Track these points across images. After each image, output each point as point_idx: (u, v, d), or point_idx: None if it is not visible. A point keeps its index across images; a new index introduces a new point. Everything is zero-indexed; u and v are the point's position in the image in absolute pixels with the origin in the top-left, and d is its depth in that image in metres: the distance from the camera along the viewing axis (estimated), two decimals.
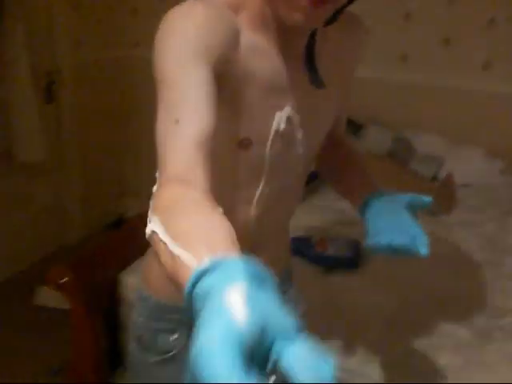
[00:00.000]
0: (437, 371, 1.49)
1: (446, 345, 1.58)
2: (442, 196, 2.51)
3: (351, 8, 0.95)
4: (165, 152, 0.75)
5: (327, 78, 0.99)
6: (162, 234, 0.65)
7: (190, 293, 0.53)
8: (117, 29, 3.62)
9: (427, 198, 1.13)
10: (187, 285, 0.53)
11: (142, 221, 0.73)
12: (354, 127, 2.78)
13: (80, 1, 3.33)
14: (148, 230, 0.69)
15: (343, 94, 1.13)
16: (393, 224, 1.04)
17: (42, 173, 3.27)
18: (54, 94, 3.22)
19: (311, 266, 1.95)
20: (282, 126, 0.96)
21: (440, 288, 1.87)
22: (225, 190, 0.98)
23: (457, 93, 2.90)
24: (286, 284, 1.28)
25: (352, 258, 1.95)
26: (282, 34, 0.93)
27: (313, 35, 0.95)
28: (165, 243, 0.64)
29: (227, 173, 0.99)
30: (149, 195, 0.78)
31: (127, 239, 1.95)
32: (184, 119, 0.76)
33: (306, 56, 0.97)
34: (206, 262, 0.53)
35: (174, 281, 0.63)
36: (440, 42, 2.93)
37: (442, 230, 2.22)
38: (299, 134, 1.01)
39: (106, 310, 1.86)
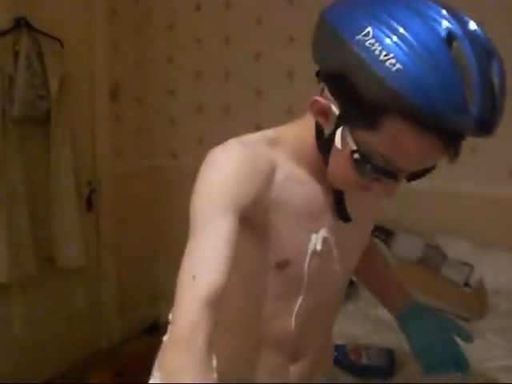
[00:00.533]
0: None
1: None
2: (475, 301, 2.53)
3: None
4: (180, 305, 0.85)
5: (355, 212, 1.07)
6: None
7: None
8: (155, 139, 3.81)
9: (466, 331, 1.19)
10: None
11: None
12: (386, 234, 2.85)
13: (120, 113, 3.55)
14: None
15: (372, 225, 1.22)
16: (438, 345, 1.11)
17: (81, 277, 3.36)
18: (94, 202, 3.37)
19: (345, 374, 1.96)
20: (319, 247, 1.04)
21: None
22: (265, 303, 1.06)
23: (483, 199, 2.97)
24: None
25: (387, 368, 1.97)
26: (317, 165, 1.01)
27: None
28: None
29: (267, 288, 1.05)
30: None
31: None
32: (199, 277, 0.85)
33: (338, 195, 1.06)
34: None
35: None
36: (467, 150, 3.03)
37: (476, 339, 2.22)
38: (335, 253, 1.08)
39: None
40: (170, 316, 0.90)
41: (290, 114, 3.23)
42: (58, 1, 3.05)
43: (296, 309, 1.09)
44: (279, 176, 0.99)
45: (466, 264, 2.71)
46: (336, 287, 1.16)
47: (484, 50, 0.80)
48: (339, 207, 1.06)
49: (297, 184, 1.01)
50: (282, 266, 1.02)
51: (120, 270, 3.62)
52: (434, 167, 0.92)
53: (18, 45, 2.78)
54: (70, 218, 3.06)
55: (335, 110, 0.89)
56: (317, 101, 0.92)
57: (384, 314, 1.76)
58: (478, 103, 0.78)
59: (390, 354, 1.99)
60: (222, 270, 0.86)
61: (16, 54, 2.77)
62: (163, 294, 3.92)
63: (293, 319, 1.10)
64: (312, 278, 1.06)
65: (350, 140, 0.88)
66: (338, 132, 0.90)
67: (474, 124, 0.79)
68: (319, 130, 0.97)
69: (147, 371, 1.91)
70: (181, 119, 3.80)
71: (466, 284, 2.68)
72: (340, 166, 0.94)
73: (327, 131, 0.94)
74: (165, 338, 0.94)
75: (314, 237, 1.03)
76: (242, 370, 1.13)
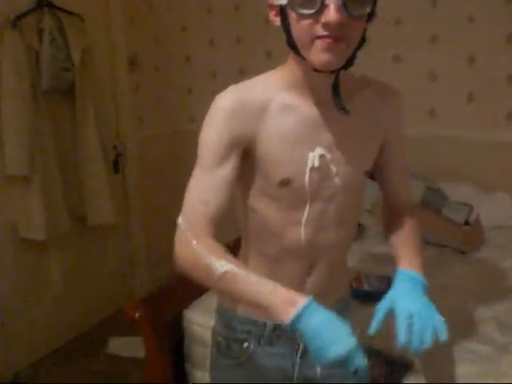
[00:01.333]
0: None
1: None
2: (472, 237, 2.75)
3: (383, 75, 1.28)
4: (192, 220, 1.22)
5: (355, 122, 1.24)
6: (240, 272, 1.10)
7: (293, 325, 1.02)
8: (174, 106, 4.06)
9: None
10: (290, 320, 1.02)
11: None
12: None
13: (141, 82, 3.78)
14: (221, 269, 1.10)
15: (374, 150, 1.33)
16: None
17: (111, 234, 3.65)
18: (120, 164, 3.63)
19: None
20: (316, 164, 1.22)
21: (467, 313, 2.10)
22: (275, 216, 1.27)
23: (482, 143, 3.16)
24: (344, 313, 1.37)
25: (385, 292, 2.19)
26: (312, 87, 1.20)
27: (337, 74, 1.17)
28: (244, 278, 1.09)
29: (275, 203, 1.26)
30: None
31: (187, 283, 2.27)
32: (212, 203, 1.18)
33: (332, 87, 1.19)
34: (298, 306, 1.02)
35: (256, 305, 1.08)
36: (464, 98, 3.23)
37: (471, 266, 2.47)
38: (334, 169, 1.24)
39: (172, 342, 2.16)
40: (180, 219, 1.22)
41: None
42: None
43: (304, 218, 1.26)
44: (273, 107, 1.20)
45: (465, 204, 2.91)
46: (338, 200, 1.29)
47: None
48: (336, 100, 1.19)
49: (290, 111, 1.21)
50: (285, 183, 1.22)
51: (147, 226, 3.90)
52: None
53: (41, 22, 2.99)
54: (99, 180, 3.31)
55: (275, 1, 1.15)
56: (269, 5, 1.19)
57: (385, 250, 1.99)
58: None
59: (389, 280, 2.21)
60: (228, 196, 1.19)
61: (40, 31, 2.99)
62: None
63: (302, 228, 1.27)
64: (313, 191, 1.24)
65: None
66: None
67: None
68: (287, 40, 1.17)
69: (174, 301, 2.17)
70: (197, 85, 4.02)
71: (466, 223, 2.89)
72: (298, 33, 1.11)
73: (279, 24, 1.18)
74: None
75: (310, 155, 1.21)
76: (268, 277, 1.17)
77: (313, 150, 1.22)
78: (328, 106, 1.21)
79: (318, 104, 1.22)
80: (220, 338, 1.42)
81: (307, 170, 1.22)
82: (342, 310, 1.40)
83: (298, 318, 1.02)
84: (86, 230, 3.38)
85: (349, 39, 1.09)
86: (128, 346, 3.27)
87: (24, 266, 3.10)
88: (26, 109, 2.89)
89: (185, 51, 4.01)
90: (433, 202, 2.96)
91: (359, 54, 1.15)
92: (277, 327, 1.35)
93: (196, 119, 4.08)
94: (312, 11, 1.06)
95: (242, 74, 3.81)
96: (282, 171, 1.22)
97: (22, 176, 2.94)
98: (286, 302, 1.04)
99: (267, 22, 3.57)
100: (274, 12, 1.18)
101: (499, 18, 3.06)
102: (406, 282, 1.25)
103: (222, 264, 1.10)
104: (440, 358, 1.79)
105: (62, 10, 3.09)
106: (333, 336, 1.02)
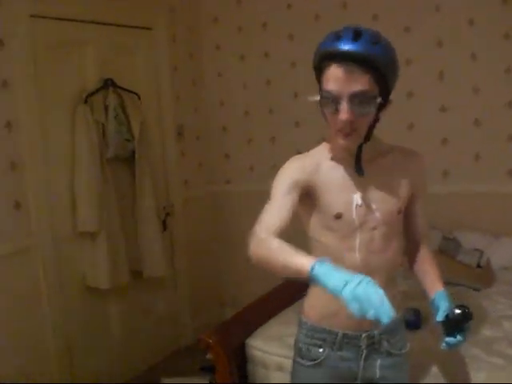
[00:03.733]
0: None
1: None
2: (484, 277, 3.18)
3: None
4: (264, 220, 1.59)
5: (375, 179, 1.69)
6: (280, 244, 1.48)
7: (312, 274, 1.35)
8: (213, 170, 4.58)
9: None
10: (310, 271, 1.36)
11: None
12: None
13: (185, 149, 4.30)
14: (277, 245, 1.49)
15: (403, 196, 1.73)
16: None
17: (162, 286, 4.07)
18: (168, 223, 4.09)
19: None
20: (359, 202, 1.67)
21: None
22: (334, 244, 1.70)
23: (489, 196, 3.65)
24: (397, 332, 1.81)
25: (415, 321, 2.61)
26: (345, 155, 1.68)
27: (360, 146, 1.62)
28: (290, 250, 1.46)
29: (333, 233, 1.69)
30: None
31: (250, 315, 2.71)
32: (263, 222, 1.57)
33: (356, 155, 1.64)
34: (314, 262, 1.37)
35: (293, 273, 1.43)
36: (472, 157, 3.72)
37: (484, 300, 2.90)
38: (373, 206, 1.68)
39: (238, 366, 2.56)
40: (257, 228, 1.58)
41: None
42: (134, 64, 3.84)
43: (357, 244, 1.68)
44: (324, 166, 1.69)
45: (477, 250, 3.36)
46: (380, 230, 1.69)
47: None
48: (356, 162, 1.64)
49: (336, 169, 1.69)
50: (338, 216, 1.67)
51: (191, 279, 4.34)
52: (367, 101, 1.51)
53: (107, 100, 3.51)
54: (153, 236, 3.77)
55: (313, 99, 1.59)
56: None
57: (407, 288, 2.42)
58: (338, 39, 1.50)
59: (416, 311, 2.63)
60: (289, 216, 1.58)
61: (106, 108, 3.50)
62: (227, 301, 4.63)
63: (357, 253, 1.68)
64: (361, 222, 1.67)
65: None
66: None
67: (338, 48, 1.47)
68: None
69: (238, 331, 2.58)
70: (233, 151, 4.55)
71: (478, 265, 3.33)
72: (329, 122, 1.58)
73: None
74: None
75: (354, 195, 1.68)
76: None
77: (355, 193, 1.68)
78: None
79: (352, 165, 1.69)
80: (301, 345, 1.82)
81: (354, 206, 1.67)
82: (397, 327, 1.81)
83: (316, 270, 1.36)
84: (142, 281, 3.81)
85: (359, 130, 1.55)
86: None
87: (89, 310, 3.53)
88: (95, 174, 3.37)
89: (223, 121, 4.55)
90: (449, 249, 3.40)
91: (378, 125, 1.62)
92: (345, 336, 1.75)
93: (231, 181, 4.59)
94: (330, 111, 1.54)
95: (273, 141, 4.32)
96: (336, 207, 1.67)
97: (90, 232, 3.40)
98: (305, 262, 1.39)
99: (296, 97, 4.13)
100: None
101: (502, 86, 3.58)
102: (447, 297, 1.72)
103: (278, 241, 1.49)
104: (461, 368, 2.20)
105: (123, 89, 3.61)
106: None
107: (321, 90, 1.56)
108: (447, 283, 2.75)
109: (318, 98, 1.57)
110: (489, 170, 3.65)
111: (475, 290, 3.09)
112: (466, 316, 1.66)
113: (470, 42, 3.64)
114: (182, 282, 4.29)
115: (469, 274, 3.19)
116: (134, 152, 3.64)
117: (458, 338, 1.65)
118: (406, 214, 1.81)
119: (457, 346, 1.68)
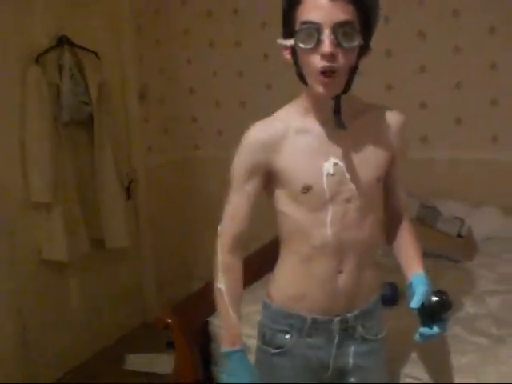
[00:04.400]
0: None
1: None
2: (465, 247, 3.00)
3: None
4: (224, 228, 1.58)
5: (360, 137, 1.49)
6: (225, 296, 1.53)
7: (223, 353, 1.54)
8: (180, 135, 4.32)
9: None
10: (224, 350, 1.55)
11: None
12: None
13: (150, 114, 4.04)
14: (217, 285, 1.55)
15: (382, 161, 1.53)
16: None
17: (126, 257, 3.86)
18: (132, 191, 3.86)
19: None
20: (331, 171, 1.46)
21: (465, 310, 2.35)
22: (303, 218, 1.50)
23: (471, 163, 3.45)
24: (375, 313, 1.64)
25: (391, 295, 2.42)
26: (320, 111, 1.46)
27: (338, 97, 1.40)
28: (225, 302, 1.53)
29: (301, 207, 1.49)
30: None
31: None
32: (225, 230, 1.57)
33: (333, 107, 1.41)
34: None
35: (223, 325, 1.57)
36: (453, 122, 3.51)
37: (465, 273, 2.72)
38: (347, 175, 1.47)
39: (200, 345, 2.37)
40: (219, 228, 1.58)
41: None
42: (92, 19, 3.54)
43: (328, 219, 1.48)
44: (291, 133, 1.47)
45: (457, 218, 3.17)
46: (356, 202, 1.49)
47: None
48: (335, 118, 1.41)
49: (305, 132, 1.47)
50: (306, 189, 1.46)
51: (157, 250, 4.12)
52: (351, 34, 1.33)
53: (61, 59, 3.24)
54: (115, 205, 3.53)
55: (286, 43, 1.41)
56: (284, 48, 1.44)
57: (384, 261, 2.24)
58: None
59: (393, 285, 2.45)
60: (250, 212, 1.53)
61: (60, 67, 3.23)
62: (196, 274, 4.41)
63: (328, 228, 1.48)
64: (332, 194, 1.46)
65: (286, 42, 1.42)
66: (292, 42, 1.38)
67: None
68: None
69: (200, 309, 2.39)
70: (201, 115, 4.29)
71: (459, 235, 3.14)
72: (304, 66, 1.38)
73: (291, 61, 1.43)
74: None
75: (325, 163, 1.46)
76: (301, 278, 1.55)
77: (326, 161, 1.47)
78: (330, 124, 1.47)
79: (328, 124, 1.46)
80: (265, 329, 1.62)
81: (324, 177, 1.46)
82: (373, 310, 1.63)
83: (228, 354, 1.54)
84: (104, 252, 3.59)
85: (339, 73, 1.35)
86: (146, 362, 3.47)
87: (45, 285, 3.30)
88: (48, 139, 3.12)
89: (189, 82, 4.27)
90: (427, 218, 3.21)
91: (355, 85, 1.42)
92: (315, 321, 1.55)
93: (200, 147, 4.34)
94: (311, 46, 1.33)
95: (243, 104, 4.08)
96: (303, 179, 1.46)
97: (45, 202, 3.16)
98: (231, 338, 1.54)
99: (267, 58, 3.90)
100: (287, 52, 1.43)
101: (485, 47, 3.37)
102: (426, 282, 1.50)
103: (221, 281, 1.55)
104: (442, 349, 2.02)
105: (80, 47, 3.33)
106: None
107: (294, 25, 1.37)
108: (426, 254, 2.58)
109: (289, 41, 1.39)
110: (470, 136, 3.46)
111: (455, 261, 2.91)
112: (444, 305, 1.45)
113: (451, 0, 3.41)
114: (146, 253, 4.07)
115: (449, 244, 3.01)
116: (92, 116, 3.38)
117: (435, 329, 1.46)
118: (385, 183, 1.61)
119: (432, 338, 1.47)
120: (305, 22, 1.33)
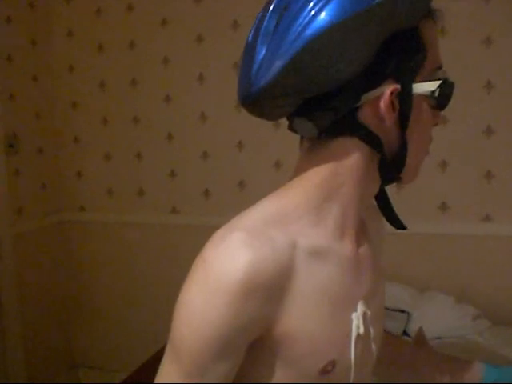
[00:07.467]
0: None
1: None
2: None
3: None
4: None
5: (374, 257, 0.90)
6: None
7: None
8: (61, 193, 3.54)
9: None
10: None
11: None
12: None
13: (22, 166, 3.25)
14: None
15: None
16: None
17: None
18: None
19: None
20: (361, 329, 0.81)
21: None
22: None
23: (417, 237, 2.84)
24: None
25: None
26: (353, 214, 0.83)
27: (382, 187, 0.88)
28: None
29: None
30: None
31: None
32: None
33: (379, 201, 0.90)
34: None
35: None
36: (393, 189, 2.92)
37: None
38: (372, 332, 0.85)
39: None
40: None
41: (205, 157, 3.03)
42: None
43: None
44: (300, 259, 0.76)
45: (402, 313, 2.55)
46: (371, 368, 0.92)
47: None
48: (389, 213, 0.89)
49: (321, 259, 0.78)
50: (328, 370, 0.78)
51: (27, 338, 3.27)
52: None
53: None
54: None
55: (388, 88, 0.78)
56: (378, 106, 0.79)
57: None
58: None
59: None
60: None
61: None
62: (81, 362, 3.60)
63: None
64: (359, 369, 0.82)
65: (421, 88, 0.80)
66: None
67: None
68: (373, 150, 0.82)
69: None
70: (88, 169, 3.52)
71: (405, 333, 2.52)
72: (421, 135, 0.84)
73: (390, 122, 0.80)
74: None
75: (354, 316, 0.81)
76: None
77: (356, 309, 0.82)
78: (358, 237, 0.86)
79: (352, 237, 0.84)
80: None
81: (352, 342, 0.80)
82: None
83: None
84: None
85: None
86: None
87: None
88: None
89: (74, 131, 3.52)
90: None
91: None
92: None
93: (86, 208, 3.55)
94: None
95: (138, 157, 3.33)
96: (325, 353, 0.78)
97: None
98: None
99: (168, 101, 3.21)
100: (393, 95, 0.79)
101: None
102: None
103: None
104: None
105: None
106: None
107: (422, 71, 0.80)
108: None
109: (426, 89, 0.81)
110: (415, 204, 2.87)
111: None
112: None
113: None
114: (12, 344, 3.20)
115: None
116: None
117: None
118: None
119: None
120: (439, 68, 0.83)
